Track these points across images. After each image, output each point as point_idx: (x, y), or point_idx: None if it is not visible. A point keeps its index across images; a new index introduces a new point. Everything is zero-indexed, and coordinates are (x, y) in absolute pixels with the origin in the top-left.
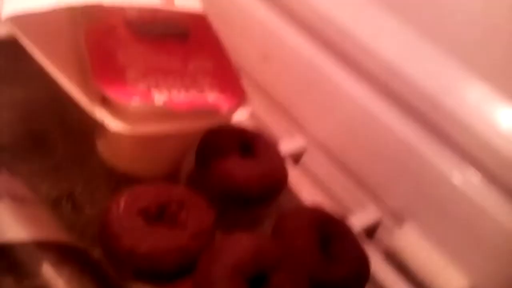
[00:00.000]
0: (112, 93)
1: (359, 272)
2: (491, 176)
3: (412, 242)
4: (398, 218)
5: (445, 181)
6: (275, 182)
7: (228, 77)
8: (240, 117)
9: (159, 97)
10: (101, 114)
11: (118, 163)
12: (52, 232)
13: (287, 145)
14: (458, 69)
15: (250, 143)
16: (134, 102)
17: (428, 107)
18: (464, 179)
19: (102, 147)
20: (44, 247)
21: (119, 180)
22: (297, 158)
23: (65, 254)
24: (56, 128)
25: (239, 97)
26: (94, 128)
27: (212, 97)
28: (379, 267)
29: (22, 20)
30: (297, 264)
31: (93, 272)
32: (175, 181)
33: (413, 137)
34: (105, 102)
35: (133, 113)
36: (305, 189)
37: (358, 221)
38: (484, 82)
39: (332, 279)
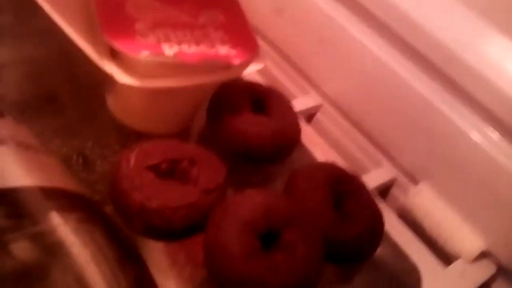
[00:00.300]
0: (121, 46)
1: (373, 230)
2: (509, 132)
3: (426, 201)
4: (413, 177)
5: (463, 139)
6: (288, 140)
7: (240, 31)
8: (252, 71)
9: (169, 50)
10: (110, 68)
11: (129, 119)
12: (58, 179)
13: (300, 103)
14: (478, 22)
15: (262, 100)
16: (144, 55)
17: (446, 61)
18: (483, 136)
19: (112, 103)
20: (50, 193)
21: (130, 137)
22: (310, 116)
23: (72, 202)
24: (66, 85)
25: (252, 51)
26: (104, 83)
27: (223, 50)
28: (393, 226)
29: None
30: (309, 222)
31: (101, 221)
32: (187, 137)
33: (431, 93)
34: (114, 55)
35: (143, 67)
36: (318, 147)
37: (372, 179)
38: (505, 36)
39: (345, 237)
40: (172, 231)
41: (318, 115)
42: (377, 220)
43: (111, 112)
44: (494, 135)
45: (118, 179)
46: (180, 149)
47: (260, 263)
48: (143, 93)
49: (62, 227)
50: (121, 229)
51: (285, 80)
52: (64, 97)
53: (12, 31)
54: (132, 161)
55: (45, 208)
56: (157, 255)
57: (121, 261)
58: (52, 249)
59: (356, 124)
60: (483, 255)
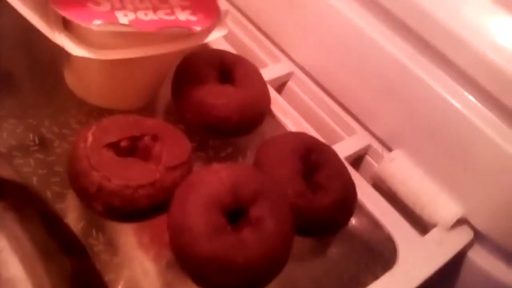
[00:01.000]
0: (71, 15)
1: (345, 201)
2: (487, 96)
3: (401, 168)
4: (387, 145)
5: (440, 103)
6: (256, 111)
7: None
8: (216, 38)
9: (124, 18)
10: (61, 40)
11: (88, 95)
12: None
13: (271, 72)
14: None
15: (230, 69)
16: (96, 24)
17: (421, 23)
18: (460, 101)
19: (70, 78)
20: None
21: (91, 114)
22: (282, 85)
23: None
24: (21, 60)
25: (214, 17)
26: (61, 58)
27: (183, 17)
28: (367, 195)
29: None
30: (278, 195)
31: (35, 211)
32: (152, 113)
33: (406, 57)
34: (68, 27)
35: (97, 37)
36: (289, 117)
37: (345, 148)
38: None
39: (316, 208)
40: (134, 211)
41: (290, 84)
42: (349, 190)
43: (69, 88)
44: (472, 99)
45: (75, 159)
46: (141, 125)
47: (227, 240)
48: (100, 65)
49: None
50: (57, 217)
51: (255, 48)
52: (19, 73)
53: None
54: (90, 140)
55: None
56: (121, 237)
57: (55, 253)
58: None
59: (329, 92)
60: (460, 222)
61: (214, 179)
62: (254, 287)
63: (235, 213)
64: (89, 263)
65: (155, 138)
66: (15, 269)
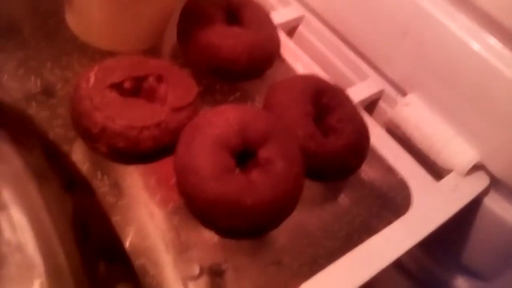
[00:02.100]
0: None
1: (357, 144)
2: (507, 37)
3: (416, 113)
4: (401, 89)
5: (456, 45)
6: (265, 53)
7: None
8: None
9: None
10: None
11: (91, 36)
12: None
13: (281, 15)
14: None
15: (238, 11)
16: None
17: None
18: (478, 41)
19: (72, 19)
20: None
21: (94, 56)
22: (292, 29)
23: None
24: (22, 3)
25: None
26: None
27: None
28: (380, 140)
29: None
30: (288, 137)
31: (36, 142)
32: (157, 56)
33: None
34: None
35: None
36: (300, 61)
37: (358, 92)
38: None
39: (327, 151)
40: (139, 153)
41: (300, 28)
42: (362, 134)
43: (71, 29)
44: (491, 40)
45: (78, 100)
46: (145, 65)
47: (235, 181)
48: (102, 4)
49: None
50: (60, 151)
51: None
52: (20, 16)
53: None
54: (92, 80)
55: None
56: (127, 179)
57: (56, 188)
58: None
59: (341, 36)
60: (476, 168)
61: (221, 120)
62: (262, 229)
63: (243, 155)
64: (92, 202)
65: (160, 78)
66: (9, 198)
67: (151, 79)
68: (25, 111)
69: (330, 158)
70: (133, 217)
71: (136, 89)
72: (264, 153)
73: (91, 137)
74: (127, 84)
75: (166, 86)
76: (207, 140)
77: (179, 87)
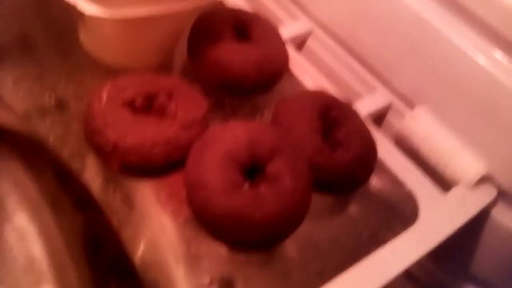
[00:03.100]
0: None
1: (364, 157)
2: None
3: (424, 125)
4: (409, 102)
5: (463, 58)
6: (274, 68)
7: None
8: None
9: None
10: None
11: (103, 54)
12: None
13: (289, 29)
14: None
15: (247, 27)
16: None
17: None
18: (484, 55)
19: (85, 38)
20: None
21: (107, 74)
22: (301, 43)
23: (9, 140)
24: (37, 21)
25: None
26: (76, 18)
27: None
28: (388, 153)
29: None
30: (295, 152)
31: (48, 165)
32: (168, 72)
33: (428, 12)
34: None
35: None
36: (309, 75)
37: (366, 105)
38: None
39: (335, 165)
40: (150, 168)
41: (309, 42)
42: (369, 147)
43: (84, 48)
44: (497, 54)
45: (90, 117)
46: (156, 83)
47: (244, 196)
48: (114, 24)
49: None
50: (71, 171)
51: (272, 5)
52: (35, 34)
53: None
54: (104, 98)
55: None
56: (138, 194)
57: (67, 208)
58: None
59: (350, 49)
60: (483, 179)
61: (230, 136)
62: (271, 242)
63: (252, 170)
64: (102, 220)
65: (170, 95)
66: (23, 221)
67: (161, 96)
68: (36, 133)
69: (338, 171)
70: (145, 231)
71: (147, 106)
72: (272, 168)
73: (104, 154)
74: (138, 102)
75: (176, 103)
76: (217, 156)
77: (189, 104)
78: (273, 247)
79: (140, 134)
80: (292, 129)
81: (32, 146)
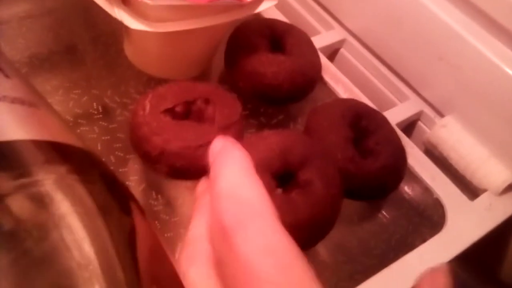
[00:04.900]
0: None
1: (394, 165)
2: None
3: (453, 134)
4: (439, 111)
5: (491, 69)
6: (307, 78)
7: None
8: (267, 7)
9: None
10: (120, 14)
11: (146, 65)
12: (54, 133)
13: (323, 39)
14: None
15: (280, 38)
16: None
17: None
18: (510, 65)
19: (129, 49)
20: (41, 146)
21: (149, 83)
22: (334, 52)
23: (64, 154)
24: (84, 33)
25: None
26: (121, 32)
27: None
28: (417, 160)
29: None
30: (326, 160)
31: (98, 175)
32: (207, 81)
33: (458, 24)
34: (125, 1)
35: (154, 10)
36: (341, 84)
37: (397, 114)
38: None
39: (366, 172)
40: (196, 170)
41: (342, 51)
42: (399, 155)
43: (128, 59)
44: None
45: (136, 126)
46: (193, 90)
47: (276, 201)
48: (157, 37)
49: (47, 176)
50: (117, 180)
51: (307, 16)
52: (83, 46)
53: None
54: (148, 107)
55: (35, 161)
56: (179, 198)
57: (116, 213)
58: (45, 203)
59: (381, 59)
60: (511, 187)
61: (264, 144)
62: (301, 247)
63: (285, 177)
64: (146, 223)
65: (207, 101)
66: (79, 226)
67: (199, 102)
68: (86, 145)
69: (368, 179)
70: (185, 233)
71: (186, 112)
72: (303, 175)
73: (151, 159)
74: (178, 109)
75: (213, 107)
76: None
77: (225, 107)
78: (304, 251)
79: (184, 139)
80: (325, 137)
81: (84, 157)
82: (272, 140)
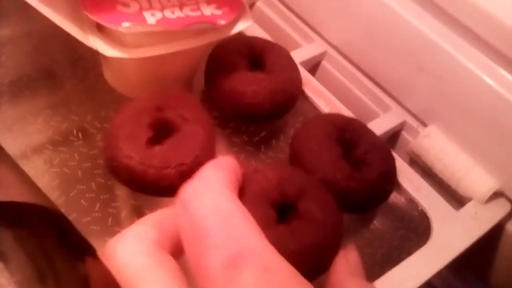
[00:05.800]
0: (101, 18)
1: (389, 170)
2: None
3: (436, 143)
4: (422, 121)
5: (472, 79)
6: (286, 96)
7: None
8: (241, 29)
9: (151, 18)
10: (94, 42)
11: (125, 89)
12: (9, 193)
13: (304, 52)
14: None
15: (259, 56)
16: (125, 26)
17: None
18: (492, 75)
19: (108, 74)
20: None
21: None
22: (316, 65)
23: (19, 215)
24: (63, 58)
25: (237, 9)
26: (99, 56)
27: (208, 11)
28: (401, 172)
29: None
30: (322, 190)
31: (56, 234)
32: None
33: (437, 34)
34: (101, 28)
35: (129, 37)
36: (323, 98)
37: (380, 125)
38: None
39: (367, 184)
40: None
41: (323, 63)
42: (389, 159)
43: (108, 83)
44: (505, 74)
45: (111, 149)
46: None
47: (277, 229)
48: (134, 62)
49: None
50: (81, 238)
51: (288, 30)
52: (61, 71)
53: (5, 9)
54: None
55: None
56: None
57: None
58: None
59: (363, 70)
60: (496, 195)
61: (260, 177)
62: (309, 276)
63: (284, 208)
64: (101, 264)
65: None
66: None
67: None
68: (43, 202)
69: (369, 189)
70: None
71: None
72: (303, 204)
73: (133, 184)
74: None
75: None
76: (248, 195)
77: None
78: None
79: (162, 157)
80: (317, 161)
81: (38, 214)
82: (268, 172)
